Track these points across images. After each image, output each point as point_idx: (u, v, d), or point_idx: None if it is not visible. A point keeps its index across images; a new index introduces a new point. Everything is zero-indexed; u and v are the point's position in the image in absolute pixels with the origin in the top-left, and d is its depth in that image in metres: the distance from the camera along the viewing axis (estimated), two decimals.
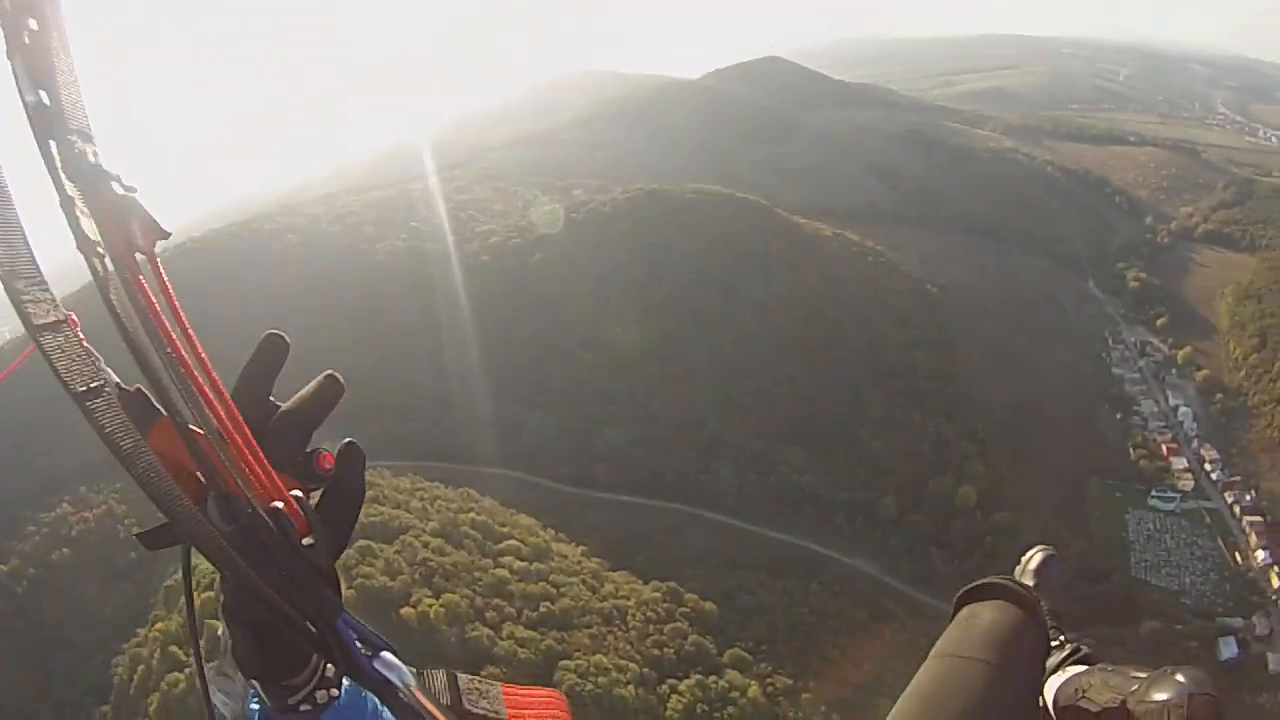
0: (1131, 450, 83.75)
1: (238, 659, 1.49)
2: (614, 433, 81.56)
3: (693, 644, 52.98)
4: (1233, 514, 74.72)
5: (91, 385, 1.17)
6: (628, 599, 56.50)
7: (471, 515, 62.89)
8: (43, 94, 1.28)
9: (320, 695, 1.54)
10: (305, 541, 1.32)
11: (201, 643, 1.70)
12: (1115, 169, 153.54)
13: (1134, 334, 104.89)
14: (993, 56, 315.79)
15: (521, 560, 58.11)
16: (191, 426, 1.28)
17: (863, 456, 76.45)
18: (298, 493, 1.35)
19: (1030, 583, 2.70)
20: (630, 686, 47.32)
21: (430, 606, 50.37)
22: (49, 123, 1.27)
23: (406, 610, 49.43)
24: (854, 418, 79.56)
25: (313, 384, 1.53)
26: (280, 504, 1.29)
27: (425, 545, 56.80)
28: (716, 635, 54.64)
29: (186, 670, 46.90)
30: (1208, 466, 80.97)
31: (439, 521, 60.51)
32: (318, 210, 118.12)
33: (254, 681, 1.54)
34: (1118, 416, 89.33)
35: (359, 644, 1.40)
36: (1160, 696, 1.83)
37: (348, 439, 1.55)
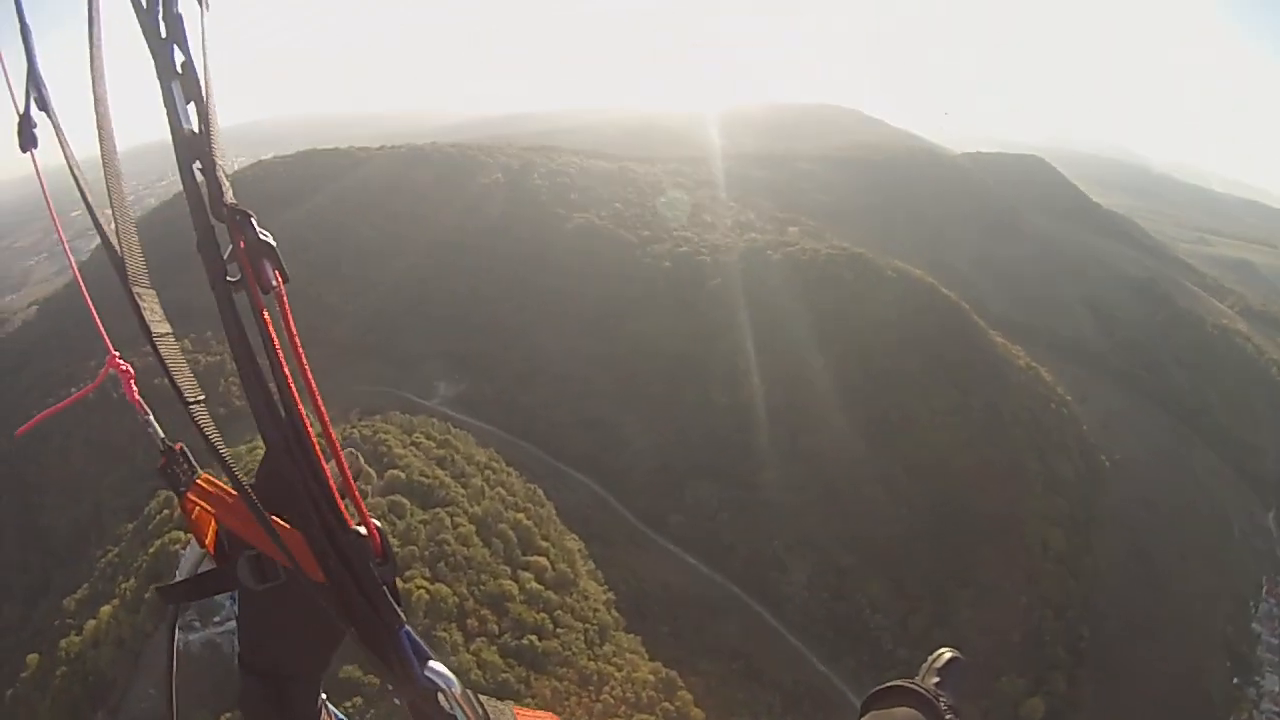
0: None
1: (246, 710, 1.58)
2: (707, 487, 72.07)
3: None
4: None
5: (199, 397, 1.24)
6: (618, 669, 47.29)
7: (521, 516, 55.64)
8: (192, 123, 1.30)
9: None
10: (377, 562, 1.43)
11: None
12: None
13: None
14: (1252, 225, 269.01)
15: (539, 584, 50.38)
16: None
17: (947, 620, 62.50)
18: (378, 523, 1.45)
19: (935, 679, 2.66)
20: None
21: (418, 589, 43.81)
22: (194, 153, 1.28)
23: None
24: (958, 576, 65.47)
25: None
26: (363, 529, 1.41)
27: (455, 527, 50.38)
28: None
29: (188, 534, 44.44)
30: None
31: (485, 509, 53.61)
32: (533, 159, 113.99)
33: None
34: (1234, 680, 68.80)
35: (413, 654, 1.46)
36: None
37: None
